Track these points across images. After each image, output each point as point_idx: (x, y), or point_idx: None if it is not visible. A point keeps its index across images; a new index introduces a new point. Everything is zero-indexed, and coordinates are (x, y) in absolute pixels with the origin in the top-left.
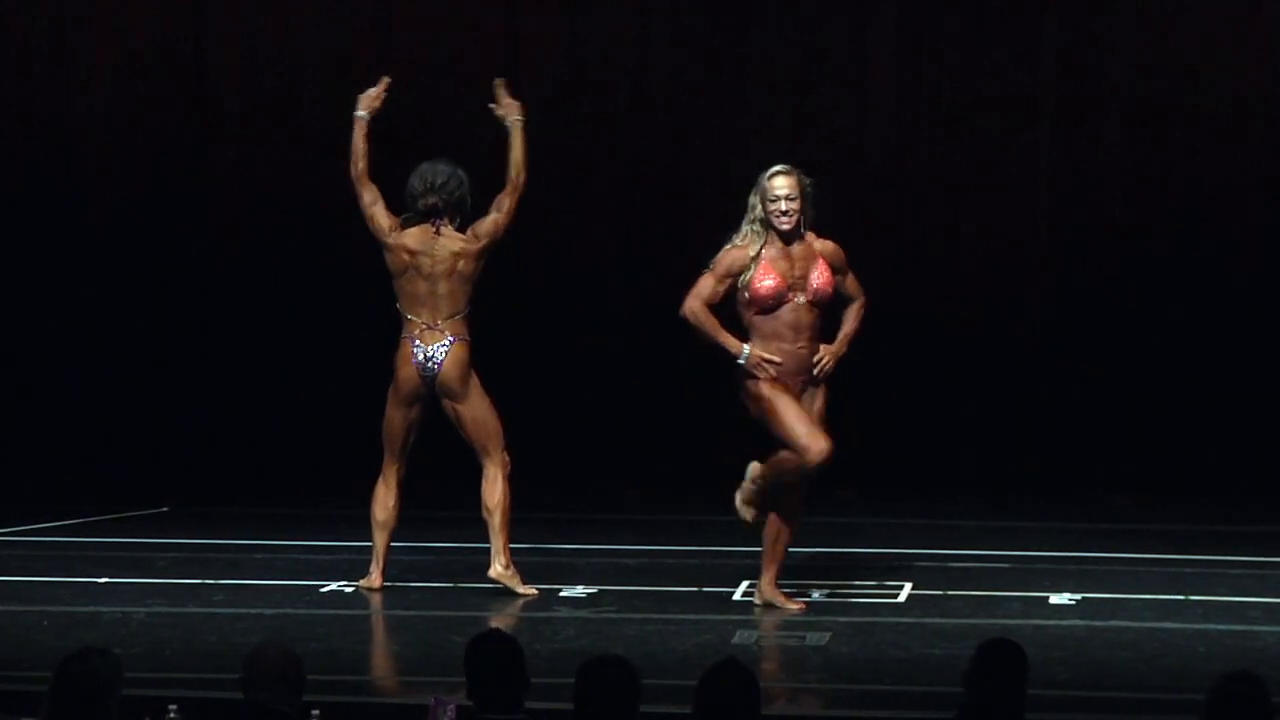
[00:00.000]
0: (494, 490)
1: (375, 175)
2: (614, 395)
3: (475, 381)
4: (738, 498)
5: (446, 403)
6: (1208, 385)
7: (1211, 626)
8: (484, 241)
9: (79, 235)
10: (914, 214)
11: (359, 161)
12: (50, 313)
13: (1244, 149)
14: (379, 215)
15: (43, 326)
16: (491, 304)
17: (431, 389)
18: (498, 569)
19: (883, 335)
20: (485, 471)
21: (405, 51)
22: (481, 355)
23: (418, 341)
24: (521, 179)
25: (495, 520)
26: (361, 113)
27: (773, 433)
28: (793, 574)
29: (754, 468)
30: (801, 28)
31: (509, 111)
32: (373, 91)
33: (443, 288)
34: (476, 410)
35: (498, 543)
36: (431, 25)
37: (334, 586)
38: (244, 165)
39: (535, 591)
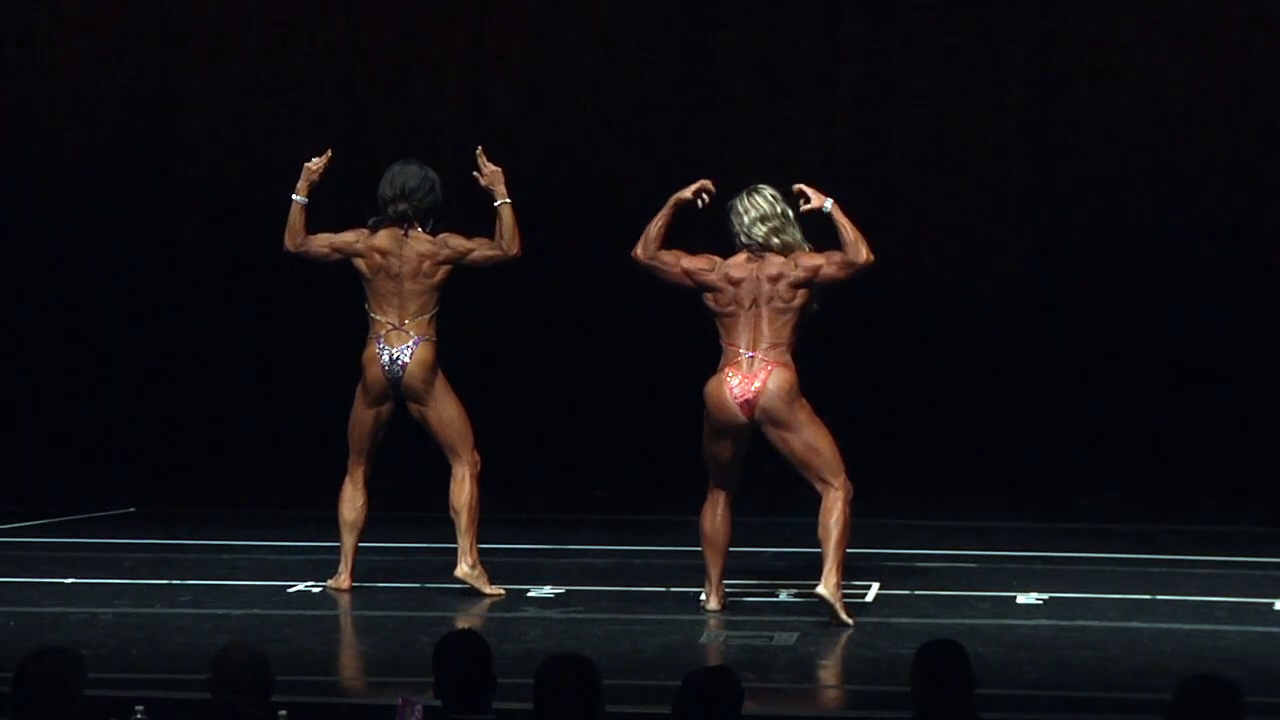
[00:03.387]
0: (461, 490)
1: (342, 186)
2: (583, 396)
3: (441, 382)
4: (840, 610)
5: (412, 404)
6: (1175, 387)
7: (1178, 626)
8: (447, 253)
9: (45, 235)
10: (883, 221)
11: (297, 235)
12: (15, 313)
13: (1208, 153)
14: (343, 241)
15: (8, 327)
16: (462, 305)
17: (398, 390)
18: (464, 569)
19: (851, 338)
20: (454, 472)
21: (374, 57)
22: (451, 355)
23: (383, 343)
24: (514, 249)
25: (462, 520)
26: (300, 198)
27: (812, 442)
28: (761, 574)
29: (830, 585)
30: (767, 36)
31: (494, 184)
32: (314, 164)
33: (408, 288)
34: (443, 411)
35: (464, 543)
36: (400, 36)
37: (301, 587)
38: (214, 168)
39: (502, 592)
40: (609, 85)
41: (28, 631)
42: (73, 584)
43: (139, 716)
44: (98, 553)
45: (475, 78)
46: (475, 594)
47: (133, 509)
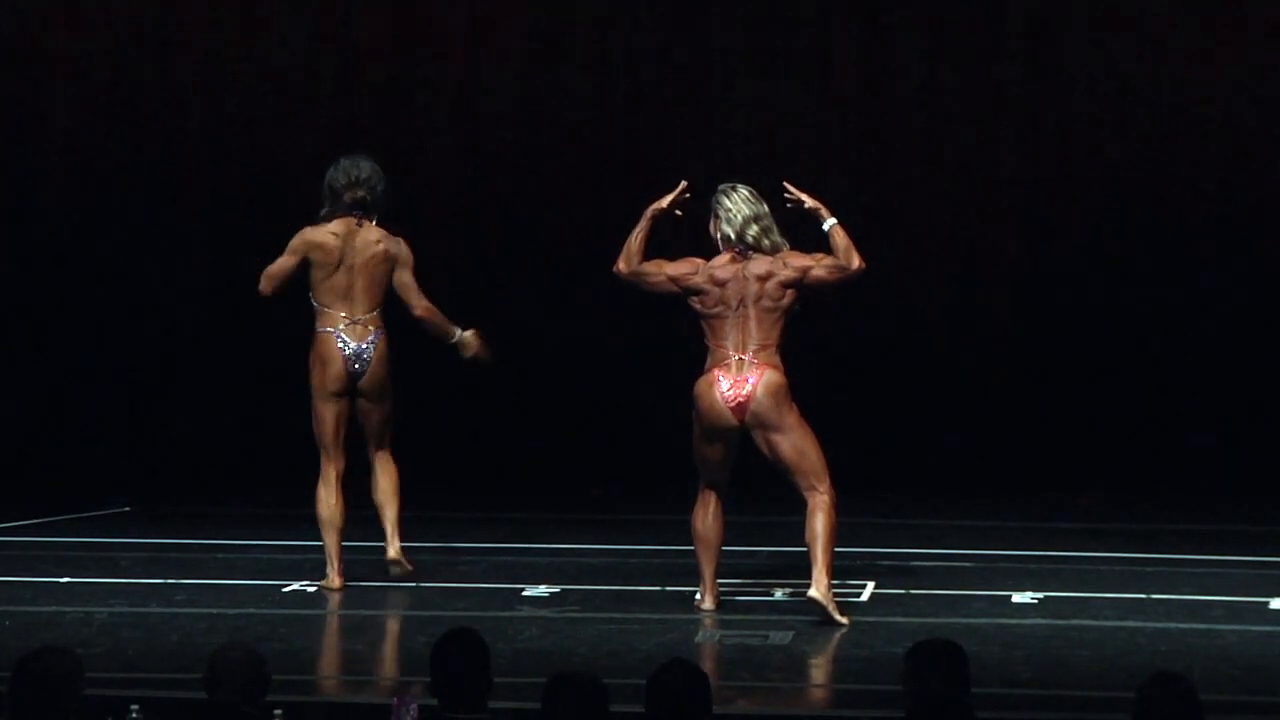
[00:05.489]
0: (388, 479)
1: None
2: (578, 394)
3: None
4: (833, 610)
5: (365, 400)
6: (1170, 386)
7: (1173, 625)
8: (396, 253)
9: (37, 233)
10: (881, 216)
11: (274, 280)
12: (9, 311)
13: (1208, 152)
14: (305, 245)
15: (1, 325)
16: (454, 302)
17: (354, 384)
18: (392, 554)
19: (847, 336)
20: (378, 462)
21: (366, 54)
22: (442, 355)
23: (343, 336)
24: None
25: (390, 510)
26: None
27: (801, 445)
28: (756, 573)
29: (821, 587)
30: (765, 30)
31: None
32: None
33: (362, 281)
34: (386, 406)
35: (390, 529)
36: (393, 41)
37: (296, 586)
38: (210, 167)
39: (410, 567)
40: (604, 85)
41: (23, 631)
42: (68, 583)
43: (134, 716)
44: (93, 552)
45: (470, 78)
46: (469, 593)
47: (128, 508)
